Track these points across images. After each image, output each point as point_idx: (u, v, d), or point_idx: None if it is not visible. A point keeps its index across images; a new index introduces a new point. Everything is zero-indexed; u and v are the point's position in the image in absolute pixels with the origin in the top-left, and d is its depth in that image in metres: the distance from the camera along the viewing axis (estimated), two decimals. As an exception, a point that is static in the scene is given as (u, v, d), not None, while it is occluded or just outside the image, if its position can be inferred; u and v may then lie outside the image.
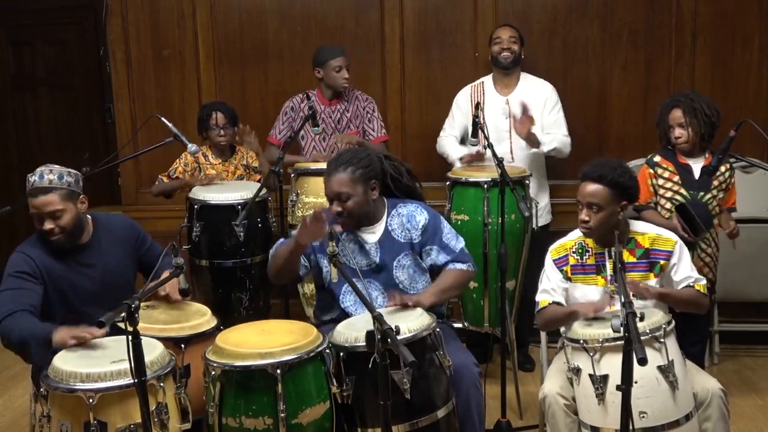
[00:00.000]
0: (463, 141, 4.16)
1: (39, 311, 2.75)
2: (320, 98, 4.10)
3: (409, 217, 2.98)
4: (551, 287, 2.90)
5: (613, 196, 2.75)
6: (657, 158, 3.44)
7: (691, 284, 2.82)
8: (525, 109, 3.89)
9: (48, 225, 2.79)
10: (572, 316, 2.78)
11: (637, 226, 2.89)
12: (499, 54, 4.08)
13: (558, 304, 2.89)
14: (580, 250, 2.88)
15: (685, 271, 2.82)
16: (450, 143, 4.17)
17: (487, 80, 4.18)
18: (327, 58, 3.99)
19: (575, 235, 2.92)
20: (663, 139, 3.47)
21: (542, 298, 2.92)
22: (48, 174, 2.80)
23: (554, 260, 2.91)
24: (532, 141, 3.91)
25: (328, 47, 4.07)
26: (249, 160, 4.14)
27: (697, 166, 3.40)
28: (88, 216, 2.97)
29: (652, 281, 2.81)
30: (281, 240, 3.05)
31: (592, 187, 2.76)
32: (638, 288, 2.67)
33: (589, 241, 2.87)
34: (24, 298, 2.72)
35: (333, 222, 2.72)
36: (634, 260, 2.82)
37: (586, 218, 2.78)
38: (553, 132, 4.08)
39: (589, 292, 2.85)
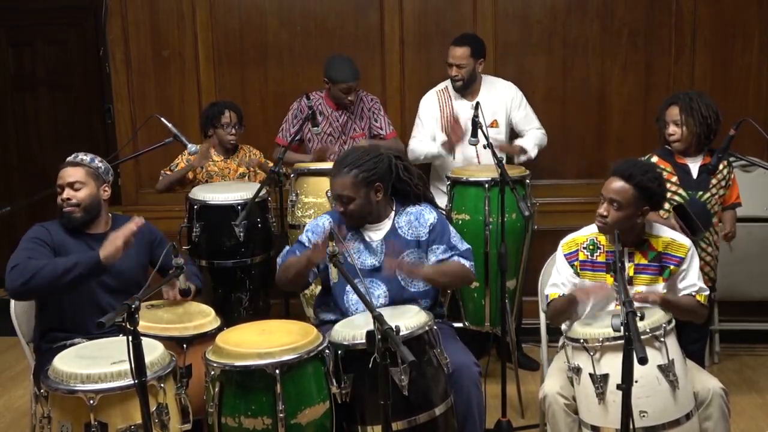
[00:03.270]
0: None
1: None
2: (327, 102, 4.11)
3: (417, 215, 2.99)
4: (561, 281, 2.89)
5: (637, 199, 2.72)
6: (654, 159, 3.43)
7: (693, 293, 2.80)
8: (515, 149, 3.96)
9: (66, 194, 2.95)
10: (572, 302, 2.78)
11: (654, 228, 2.86)
12: (451, 79, 4.09)
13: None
14: (591, 247, 2.87)
15: (691, 279, 2.81)
16: (420, 144, 4.12)
17: (450, 85, 4.16)
18: (335, 79, 3.98)
19: (587, 231, 2.91)
20: (662, 137, 3.46)
21: (551, 291, 2.91)
22: (82, 155, 3.05)
23: (565, 255, 2.89)
24: (522, 153, 3.99)
25: (338, 67, 4.02)
26: (252, 158, 4.15)
27: (694, 165, 3.39)
28: (109, 214, 3.09)
29: (660, 285, 2.79)
30: (287, 249, 3.04)
31: (619, 184, 2.73)
32: (644, 299, 2.65)
33: (602, 239, 2.86)
34: (38, 255, 2.83)
35: (339, 221, 2.73)
36: (646, 262, 2.81)
37: (605, 213, 2.75)
38: (527, 129, 4.13)
39: None
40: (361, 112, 4.13)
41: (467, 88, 4.09)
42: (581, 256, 2.87)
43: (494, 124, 4.08)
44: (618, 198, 2.72)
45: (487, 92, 4.13)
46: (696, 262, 2.84)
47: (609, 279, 2.82)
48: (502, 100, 4.13)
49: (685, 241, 2.86)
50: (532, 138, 4.09)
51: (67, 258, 2.80)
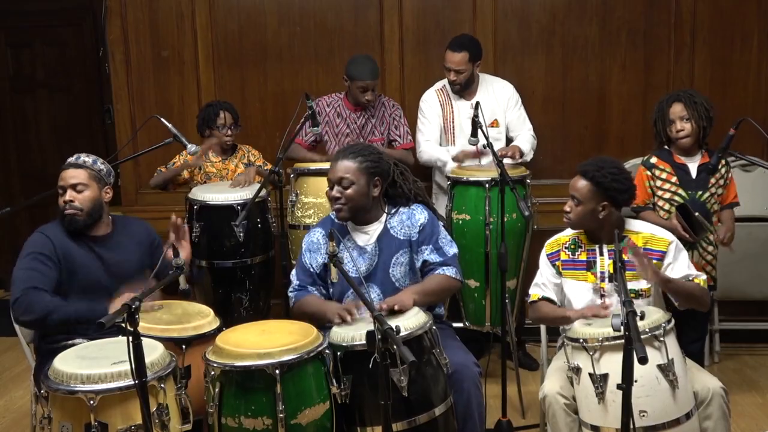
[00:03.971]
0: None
1: (55, 290, 2.87)
2: (346, 103, 4.12)
3: (409, 215, 2.99)
4: (542, 282, 2.94)
5: (593, 194, 2.77)
6: (653, 159, 3.44)
7: (690, 280, 2.80)
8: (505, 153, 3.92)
9: (68, 196, 2.94)
10: (563, 320, 2.81)
11: (633, 225, 2.89)
12: (449, 83, 4.07)
13: (549, 299, 2.92)
14: (572, 246, 2.90)
15: (682, 269, 2.81)
16: (435, 148, 4.12)
17: (448, 84, 4.14)
18: (353, 77, 3.99)
19: (571, 231, 2.93)
20: (660, 137, 3.46)
21: (533, 292, 2.96)
22: (84, 156, 3.04)
23: (548, 255, 2.94)
24: (521, 155, 3.97)
25: (359, 64, 4.02)
26: (250, 158, 4.14)
27: (693, 165, 3.40)
28: (109, 215, 3.10)
29: (644, 282, 2.80)
30: (296, 283, 3.00)
31: (577, 181, 2.82)
32: (643, 263, 2.62)
33: (583, 237, 2.89)
34: (40, 278, 2.83)
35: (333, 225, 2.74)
36: (626, 258, 2.80)
37: (567, 209, 2.85)
38: (519, 131, 4.13)
39: (578, 288, 2.85)
40: (381, 116, 4.13)
41: (465, 89, 4.09)
42: (563, 256, 2.90)
43: (495, 123, 4.08)
44: (576, 194, 2.81)
45: (485, 92, 4.13)
46: (683, 254, 2.84)
47: (590, 277, 2.84)
48: (499, 100, 4.13)
49: (665, 235, 2.86)
50: (526, 141, 4.10)
51: (76, 309, 2.81)
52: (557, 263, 2.91)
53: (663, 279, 2.71)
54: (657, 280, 2.69)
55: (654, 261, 2.80)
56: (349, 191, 2.86)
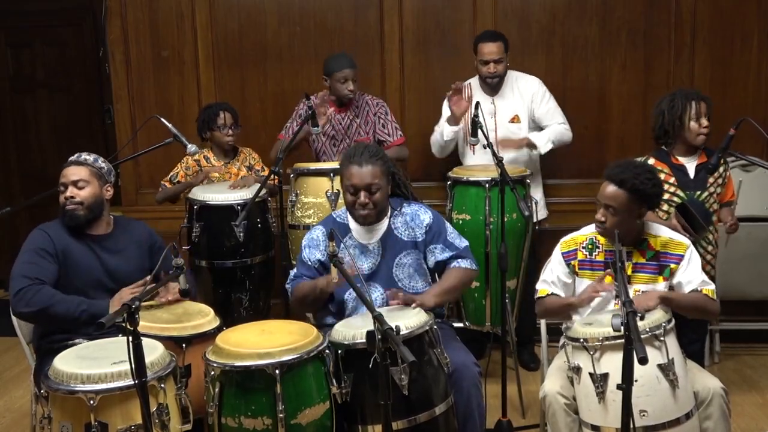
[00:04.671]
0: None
1: (54, 286, 2.87)
2: (331, 105, 4.09)
3: (413, 216, 2.99)
4: (552, 279, 2.92)
5: (632, 202, 2.73)
6: (651, 161, 3.43)
7: (698, 288, 2.79)
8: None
9: (69, 192, 2.97)
10: (569, 308, 2.80)
11: (652, 228, 2.87)
12: (486, 76, 4.03)
13: (557, 296, 2.91)
14: (590, 246, 2.88)
15: (692, 275, 2.79)
16: (435, 133, 4.12)
17: (474, 81, 4.13)
18: (333, 70, 3.96)
19: (587, 231, 2.92)
20: (670, 134, 3.43)
21: (541, 288, 2.95)
22: (86, 155, 3.08)
23: (563, 253, 2.91)
24: (529, 146, 3.94)
25: (335, 58, 4.02)
26: (251, 161, 4.13)
27: (691, 165, 3.40)
28: (111, 215, 3.12)
29: (661, 284, 2.80)
30: (293, 274, 3.03)
31: (612, 190, 2.74)
32: (642, 304, 2.63)
33: (601, 238, 2.87)
34: (40, 271, 2.85)
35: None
36: (644, 261, 2.81)
37: (602, 218, 2.77)
38: (549, 123, 4.07)
39: None
40: (366, 116, 4.10)
41: (502, 82, 4.06)
42: (580, 256, 2.88)
43: (515, 119, 4.07)
44: (612, 203, 2.74)
45: (510, 88, 4.10)
46: (696, 259, 2.83)
47: (607, 278, 2.83)
48: (524, 96, 4.09)
49: (683, 239, 2.86)
50: (549, 133, 4.03)
51: (78, 302, 2.83)
52: (573, 262, 2.89)
53: (663, 298, 2.69)
54: (656, 306, 2.67)
55: (672, 265, 2.80)
56: (376, 195, 2.87)
